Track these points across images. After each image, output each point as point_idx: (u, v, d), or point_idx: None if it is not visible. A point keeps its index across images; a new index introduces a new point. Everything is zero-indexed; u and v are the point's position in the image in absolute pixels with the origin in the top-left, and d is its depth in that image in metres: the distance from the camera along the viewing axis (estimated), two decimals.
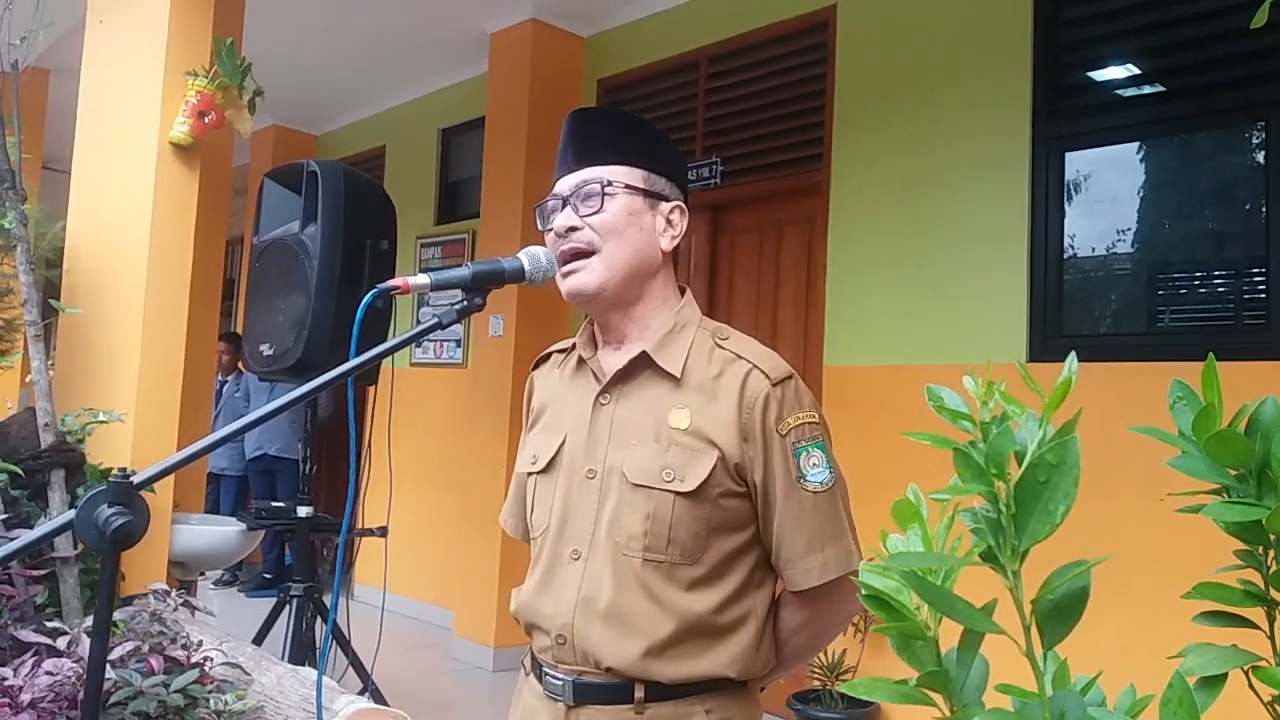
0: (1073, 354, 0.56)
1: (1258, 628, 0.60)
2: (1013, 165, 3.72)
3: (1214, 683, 0.56)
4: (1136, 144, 3.55)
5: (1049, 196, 3.65)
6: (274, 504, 3.65)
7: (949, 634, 0.58)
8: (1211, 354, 0.63)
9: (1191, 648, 0.59)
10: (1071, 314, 3.64)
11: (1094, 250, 3.61)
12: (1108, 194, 3.59)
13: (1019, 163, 3.71)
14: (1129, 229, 3.54)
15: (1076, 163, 3.66)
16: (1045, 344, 3.58)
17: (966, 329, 3.78)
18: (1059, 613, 0.49)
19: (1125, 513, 3.20)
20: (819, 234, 4.38)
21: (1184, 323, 3.46)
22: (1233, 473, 0.60)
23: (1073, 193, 3.66)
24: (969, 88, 3.88)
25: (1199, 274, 3.42)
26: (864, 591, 0.50)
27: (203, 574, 4.26)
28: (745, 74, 4.76)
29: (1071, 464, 0.47)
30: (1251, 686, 0.59)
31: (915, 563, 0.47)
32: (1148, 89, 3.57)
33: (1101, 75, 3.66)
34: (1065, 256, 3.64)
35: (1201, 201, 3.39)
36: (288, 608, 3.48)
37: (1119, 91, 3.61)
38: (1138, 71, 3.57)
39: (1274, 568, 0.57)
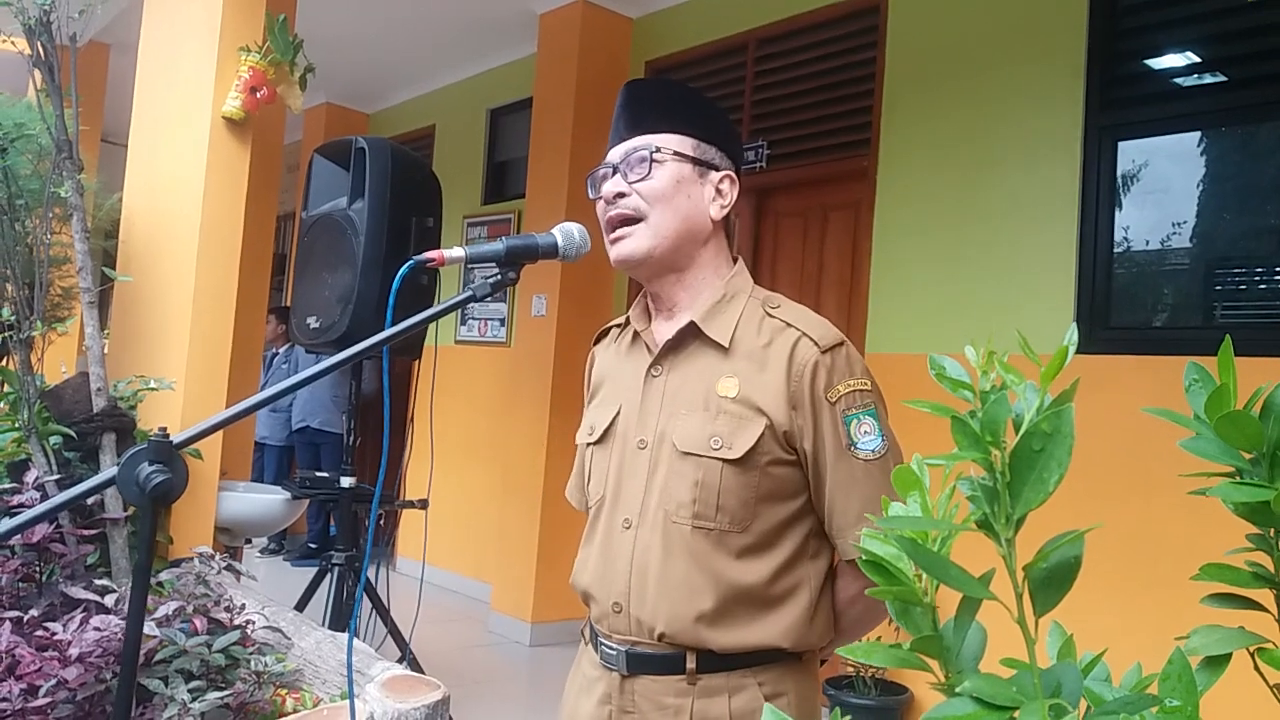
0: (1073, 326, 0.56)
1: (1267, 610, 0.60)
2: (1064, 154, 3.66)
3: (1218, 663, 0.56)
4: (1192, 134, 3.47)
5: (1100, 186, 3.59)
6: (318, 474, 3.72)
7: (952, 608, 0.59)
8: (1229, 337, 0.63)
9: (1199, 629, 0.59)
10: (1121, 306, 3.57)
11: (1147, 242, 3.54)
12: (1161, 185, 3.52)
13: (1070, 151, 3.65)
14: (1184, 221, 3.47)
15: (1130, 153, 3.58)
16: (1092, 336, 3.53)
17: (1012, 320, 3.73)
18: (1051, 581, 0.49)
19: (1172, 505, 3.16)
20: (864, 220, 4.34)
21: (1240, 318, 3.38)
22: (1247, 456, 0.60)
23: (1127, 184, 3.59)
24: (1021, 74, 3.82)
25: (1259, 269, 3.33)
26: (864, 557, 0.51)
27: (249, 541, 4.37)
28: (794, 57, 4.73)
29: (1066, 433, 0.47)
30: (1258, 669, 0.59)
31: (910, 526, 0.48)
32: (1208, 78, 3.48)
33: (1159, 63, 3.58)
34: (1116, 247, 3.57)
35: (1261, 194, 3.30)
36: (329, 576, 3.56)
37: (1176, 80, 3.53)
38: (1197, 60, 3.49)
39: None
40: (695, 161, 1.41)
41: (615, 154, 1.43)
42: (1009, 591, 0.49)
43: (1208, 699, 0.56)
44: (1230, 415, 0.55)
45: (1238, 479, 0.59)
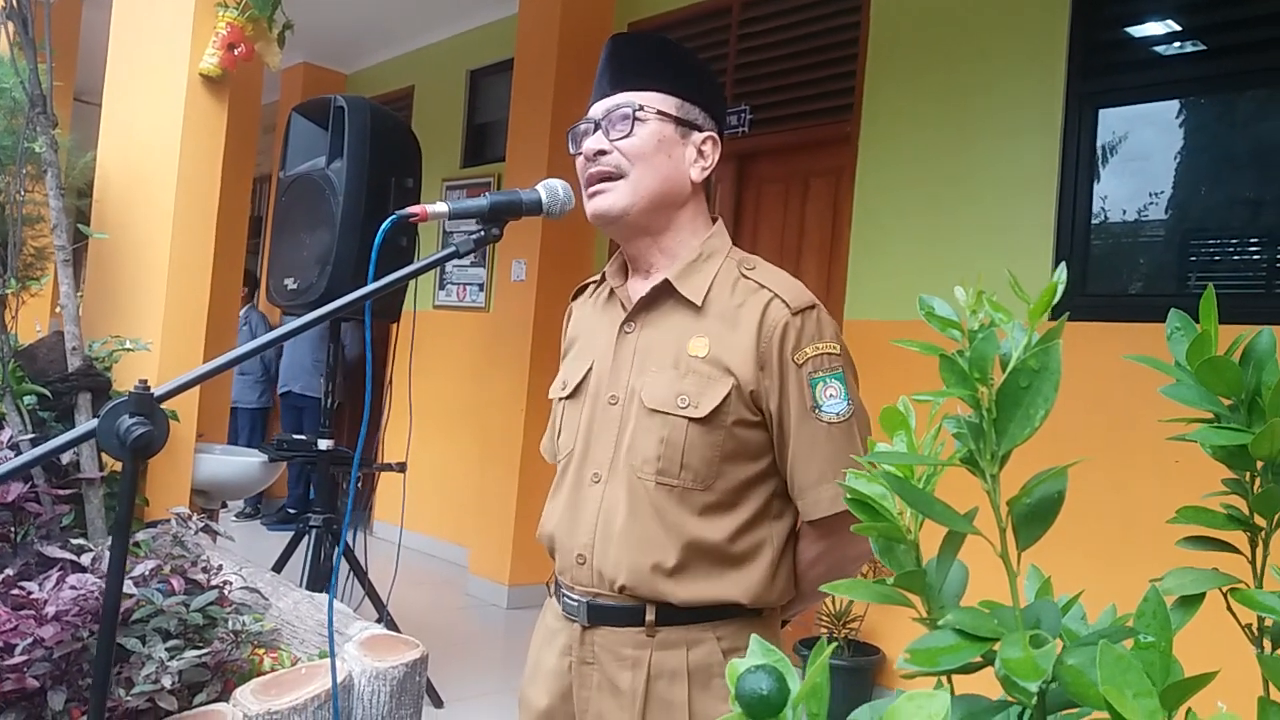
0: (1063, 266, 0.56)
1: (1239, 552, 0.61)
2: (1045, 121, 3.67)
3: (1191, 602, 0.58)
4: (1173, 103, 3.49)
5: (1080, 154, 3.60)
6: (296, 436, 3.71)
7: (933, 550, 0.59)
8: (1211, 286, 0.64)
9: (1173, 570, 0.60)
10: (1098, 273, 3.60)
11: (1124, 211, 3.56)
12: (1141, 154, 3.53)
13: (1052, 118, 3.65)
14: (1161, 190, 3.49)
15: (1111, 121, 3.59)
16: (1069, 303, 3.55)
17: (990, 285, 3.75)
18: (1034, 516, 0.50)
19: (1145, 469, 3.21)
20: (846, 186, 4.34)
21: (1214, 287, 3.41)
22: (1226, 402, 0.61)
23: (1107, 152, 3.61)
24: (1004, 41, 3.81)
25: (1233, 240, 3.36)
26: (849, 495, 0.52)
27: (224, 504, 4.35)
28: (778, 21, 4.70)
29: (1053, 369, 0.48)
30: (1230, 609, 0.60)
31: (896, 461, 0.48)
32: (1189, 46, 3.48)
33: (1140, 31, 3.58)
34: (1094, 215, 3.59)
35: (1236, 165, 3.32)
36: (306, 538, 3.56)
37: (1158, 48, 3.54)
38: (1178, 27, 3.49)
39: (1258, 493, 0.58)
40: (678, 121, 1.40)
41: (597, 109, 1.42)
42: (993, 528, 0.50)
43: (1181, 638, 0.57)
44: (1211, 361, 0.56)
45: (1216, 424, 0.60)
